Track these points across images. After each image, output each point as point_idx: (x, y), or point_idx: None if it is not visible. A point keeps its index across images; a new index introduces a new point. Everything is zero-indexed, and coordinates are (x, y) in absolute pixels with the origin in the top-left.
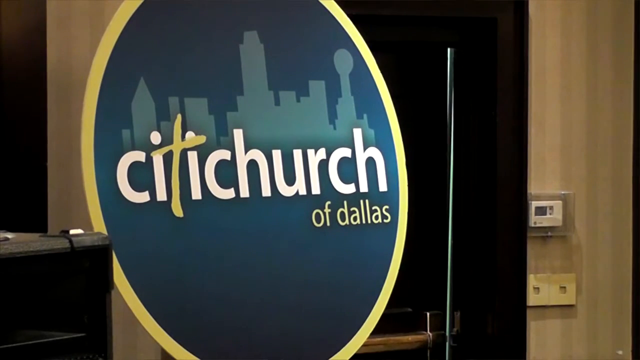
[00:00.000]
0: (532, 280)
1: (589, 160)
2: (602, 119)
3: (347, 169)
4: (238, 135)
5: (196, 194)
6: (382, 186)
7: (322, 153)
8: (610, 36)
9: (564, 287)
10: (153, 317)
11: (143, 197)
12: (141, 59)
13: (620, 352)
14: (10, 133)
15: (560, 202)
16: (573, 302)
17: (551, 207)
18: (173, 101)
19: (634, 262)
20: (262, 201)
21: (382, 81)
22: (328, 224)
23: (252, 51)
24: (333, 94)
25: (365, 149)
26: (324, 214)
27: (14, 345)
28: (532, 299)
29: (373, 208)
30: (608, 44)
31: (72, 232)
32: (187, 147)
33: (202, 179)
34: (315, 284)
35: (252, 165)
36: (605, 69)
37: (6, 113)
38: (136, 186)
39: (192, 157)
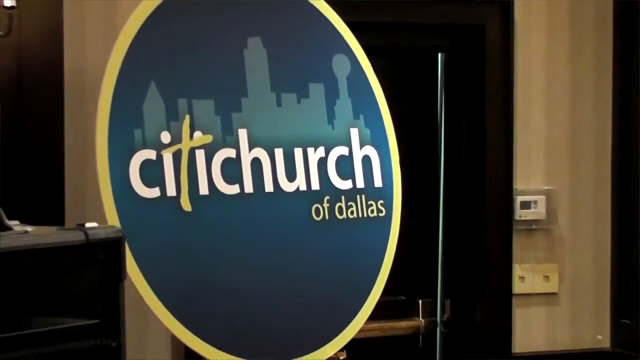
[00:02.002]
0: (517, 270)
1: (571, 158)
2: (584, 119)
3: (345, 166)
4: (242, 134)
5: (203, 189)
6: (377, 182)
7: (321, 151)
8: (590, 42)
9: (548, 277)
10: (164, 304)
11: (154, 192)
12: (152, 63)
13: (599, 337)
14: (29, 133)
15: (544, 197)
16: (556, 291)
17: (535, 202)
18: (182, 103)
19: (613, 253)
20: (265, 196)
21: (377, 84)
22: (327, 217)
23: (255, 56)
24: (331, 95)
25: (361, 148)
26: (323, 208)
27: (34, 331)
28: (517, 287)
29: (369, 203)
30: (589, 50)
31: (87, 225)
32: (195, 145)
33: (209, 175)
34: (315, 274)
35: (256, 163)
36: (586, 73)
37: (25, 114)
38: (147, 182)
39: (200, 155)
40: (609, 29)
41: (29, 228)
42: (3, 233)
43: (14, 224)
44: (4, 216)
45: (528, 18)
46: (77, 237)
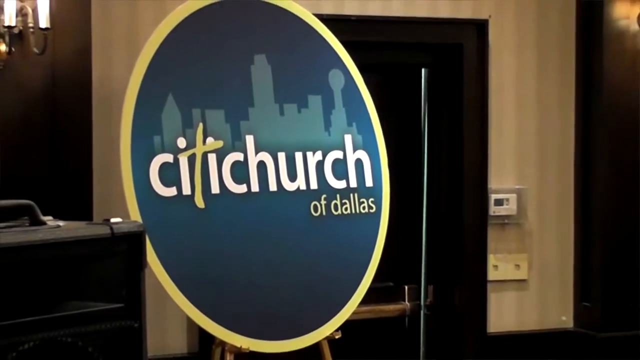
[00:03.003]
0: (492, 260)
1: (539, 161)
2: (550, 127)
3: (340, 168)
4: (249, 140)
5: (215, 188)
6: (368, 182)
7: (319, 155)
8: (555, 59)
9: (518, 265)
10: (180, 290)
11: (171, 191)
12: (169, 78)
13: (564, 318)
14: (61, 139)
15: (515, 195)
16: (525, 277)
17: (507, 199)
18: (196, 112)
19: (575, 245)
20: (269, 195)
21: (368, 95)
22: (324, 213)
23: (261, 71)
24: (328, 106)
25: (354, 152)
26: (321, 205)
27: (65, 313)
28: (492, 274)
29: (361, 200)
30: (554, 66)
31: (112, 220)
32: (207, 150)
33: (220, 176)
34: (314, 263)
35: (261, 165)
36: (551, 87)
37: (58, 122)
38: (165, 182)
39: (212, 158)
40: (571, 48)
41: (61, 223)
42: (38, 227)
43: (48, 219)
44: (39, 212)
45: (501, 38)
46: (103, 230)
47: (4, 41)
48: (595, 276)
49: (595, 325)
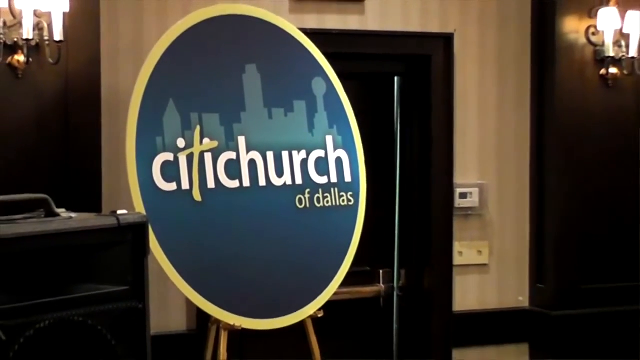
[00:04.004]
0: (457, 246)
1: (498, 159)
2: (508, 128)
3: (322, 165)
4: (241, 141)
5: (211, 184)
6: (347, 178)
7: (303, 154)
8: (513, 69)
9: (480, 251)
10: (180, 274)
11: (172, 186)
12: (170, 85)
13: (521, 299)
14: (74, 140)
15: (477, 189)
16: (487, 262)
17: (471, 193)
18: (194, 116)
19: (530, 233)
20: (259, 189)
21: (347, 101)
22: (308, 205)
23: (251, 79)
24: (311, 110)
25: (335, 151)
26: (305, 198)
27: (76, 295)
28: (457, 260)
29: (341, 194)
30: (512, 74)
31: (119, 212)
32: (204, 149)
33: (215, 173)
34: (299, 250)
35: (252, 163)
36: (510, 92)
37: (71, 124)
38: (166, 178)
39: (208, 157)
40: (527, 59)
41: (73, 214)
42: (53, 218)
43: (61, 211)
44: (53, 205)
45: (465, 50)
46: (111, 221)
47: (23, 52)
48: (548, 261)
49: (549, 304)
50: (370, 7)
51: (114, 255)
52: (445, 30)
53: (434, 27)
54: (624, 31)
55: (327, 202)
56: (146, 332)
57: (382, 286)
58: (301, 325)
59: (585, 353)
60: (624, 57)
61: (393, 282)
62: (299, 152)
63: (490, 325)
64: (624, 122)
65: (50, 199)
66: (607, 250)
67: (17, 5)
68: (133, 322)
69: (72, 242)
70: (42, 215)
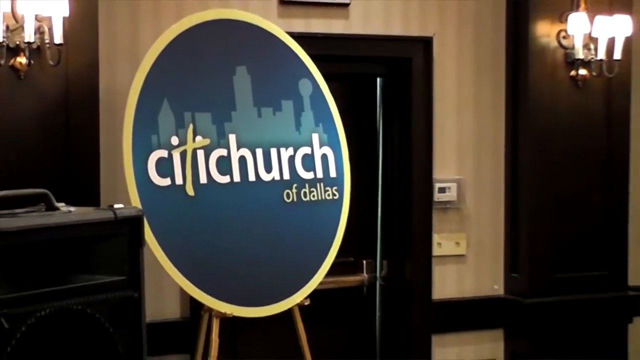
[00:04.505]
0: (436, 238)
1: (475, 155)
2: (484, 127)
3: (308, 162)
4: (232, 138)
5: (203, 179)
6: (332, 173)
7: (290, 150)
8: (488, 70)
9: (458, 243)
10: (174, 265)
11: (166, 181)
12: (164, 86)
13: (496, 287)
14: (73, 138)
15: (455, 184)
16: (464, 253)
17: (449, 188)
18: (187, 115)
19: (505, 226)
20: (249, 184)
21: (332, 100)
22: (295, 199)
23: (242, 80)
24: (298, 109)
25: (320, 148)
26: (292, 193)
27: (75, 285)
28: (436, 250)
29: (326, 189)
30: (488, 75)
31: (116, 206)
32: (196, 147)
33: (207, 169)
34: (287, 242)
35: (242, 159)
36: (486, 92)
37: (71, 123)
38: (161, 174)
39: (200, 154)
40: (502, 61)
41: (72, 208)
42: (53, 212)
43: (61, 205)
44: (53, 199)
45: (444, 53)
46: (108, 215)
47: (25, 55)
48: (522, 251)
49: (522, 292)
50: (354, 12)
51: (111, 246)
52: (424, 33)
53: (414, 31)
54: (593, 35)
55: (313, 196)
56: (142, 320)
57: (365, 276)
58: (289, 312)
59: (557, 338)
60: (592, 60)
61: (376, 272)
62: (286, 149)
63: (468, 313)
64: (593, 121)
65: (50, 194)
66: (576, 242)
67: (19, 10)
68: (129, 310)
69: (71, 235)
70: (43, 209)
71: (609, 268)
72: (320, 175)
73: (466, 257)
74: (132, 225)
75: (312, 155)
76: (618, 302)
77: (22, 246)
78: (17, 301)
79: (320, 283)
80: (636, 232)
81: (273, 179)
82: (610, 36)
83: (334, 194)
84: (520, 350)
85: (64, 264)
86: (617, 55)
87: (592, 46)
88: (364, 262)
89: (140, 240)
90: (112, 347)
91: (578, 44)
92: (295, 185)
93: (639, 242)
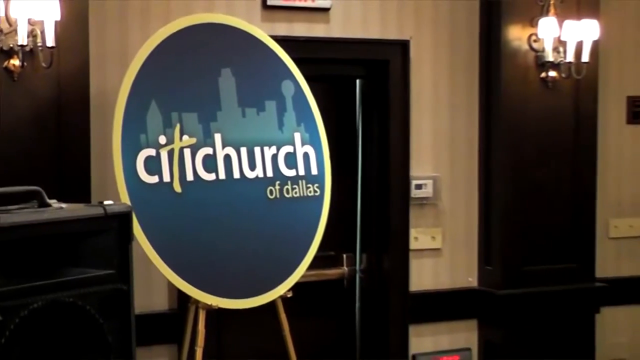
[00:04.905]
0: (413, 233)
1: (450, 154)
2: (459, 126)
3: (290, 160)
4: (218, 137)
5: (190, 176)
6: (314, 171)
7: (273, 149)
8: (463, 72)
9: (434, 237)
10: (162, 258)
11: (154, 179)
12: (152, 87)
13: (470, 279)
14: (65, 137)
15: (431, 181)
16: (440, 247)
17: (425, 184)
18: (174, 115)
19: (479, 221)
20: (233, 181)
21: (314, 101)
22: (278, 196)
23: (226, 81)
24: (281, 109)
25: (302, 146)
26: (275, 189)
27: (67, 278)
28: (413, 244)
29: (308, 185)
30: (462, 77)
31: (106, 202)
32: (183, 145)
33: (194, 166)
34: (270, 236)
35: (227, 158)
36: (460, 93)
37: (63, 123)
38: (149, 172)
39: (187, 152)
40: (476, 63)
41: (63, 205)
42: (45, 209)
43: (53, 202)
44: (45, 196)
45: (420, 55)
46: (98, 211)
47: (18, 57)
48: (495, 245)
49: (495, 284)
50: (334, 17)
51: (101, 241)
52: (401, 37)
53: (391, 35)
54: (562, 39)
55: (296, 193)
56: (131, 312)
57: (345, 269)
58: (272, 304)
59: (528, 328)
60: (562, 62)
61: (355, 265)
62: (269, 148)
63: (443, 304)
64: (562, 120)
65: (42, 191)
66: (546, 236)
67: (13, 14)
68: (119, 303)
69: (62, 230)
70: (36, 206)
71: (578, 261)
72: (302, 172)
73: (442, 251)
74: (121, 221)
75: (294, 154)
76: (586, 293)
77: (15, 241)
78: (11, 294)
79: (302, 276)
80: (603, 226)
81: (257, 176)
82: (579, 40)
83: (315, 191)
84: (494, 339)
85: (55, 258)
86: (585, 57)
87: (561, 49)
88: (344, 255)
89: (129, 235)
90: (102, 338)
91: (548, 47)
92: (278, 182)
93: (606, 236)
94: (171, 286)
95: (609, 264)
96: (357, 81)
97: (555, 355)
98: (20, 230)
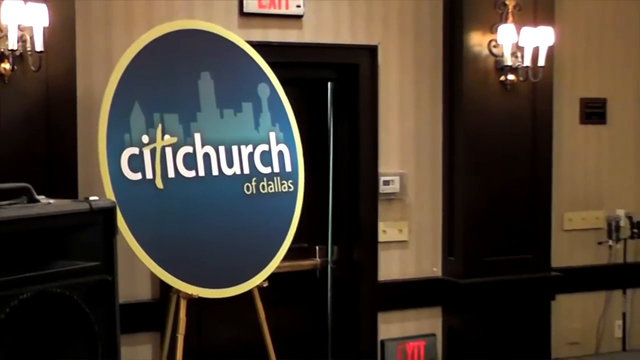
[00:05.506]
0: (381, 226)
1: (416, 152)
2: (424, 126)
3: (266, 158)
4: (197, 137)
5: (171, 173)
6: (288, 168)
7: (250, 148)
8: (428, 75)
9: (401, 230)
10: (145, 251)
11: (137, 176)
12: (135, 90)
13: (435, 269)
14: (54, 137)
15: (398, 177)
16: (406, 239)
17: (393, 180)
18: (156, 116)
19: (443, 215)
20: (212, 178)
21: (288, 102)
22: (254, 192)
23: (206, 84)
24: (257, 110)
25: (277, 145)
26: (252, 186)
27: (54, 270)
28: (381, 237)
29: (282, 182)
30: (427, 80)
31: (91, 198)
32: (165, 144)
33: (175, 164)
34: (247, 230)
35: (206, 156)
36: (425, 95)
37: (51, 124)
38: (133, 169)
39: (168, 150)
40: (439, 67)
41: (51, 200)
42: (34, 204)
43: (41, 197)
44: (34, 192)
45: (387, 60)
46: (84, 206)
47: (9, 61)
48: (458, 237)
49: (458, 274)
50: (307, 23)
51: (87, 235)
52: (370, 42)
53: (361, 40)
54: (520, 44)
55: (271, 189)
56: (115, 301)
57: (318, 260)
58: (249, 294)
59: (489, 314)
60: (519, 66)
61: (327, 257)
62: (246, 146)
63: (410, 292)
64: (520, 120)
65: (31, 187)
66: (506, 229)
67: (3, 21)
68: (104, 293)
69: (50, 224)
70: (25, 202)
71: (535, 252)
72: (277, 169)
73: (408, 243)
74: (106, 216)
75: (269, 152)
76: (542, 282)
77: (5, 235)
78: (1, 285)
79: (278, 267)
80: (558, 219)
81: (234, 173)
82: (535, 45)
83: (289, 187)
84: (457, 325)
85: (44, 251)
86: (541, 62)
87: (519, 54)
88: (317, 247)
89: (113, 229)
90: (88, 326)
91: (507, 53)
92: (254, 179)
93: (561, 228)
94: (154, 277)
95: (564, 254)
96: (329, 84)
97: (514, 340)
98: (10, 224)
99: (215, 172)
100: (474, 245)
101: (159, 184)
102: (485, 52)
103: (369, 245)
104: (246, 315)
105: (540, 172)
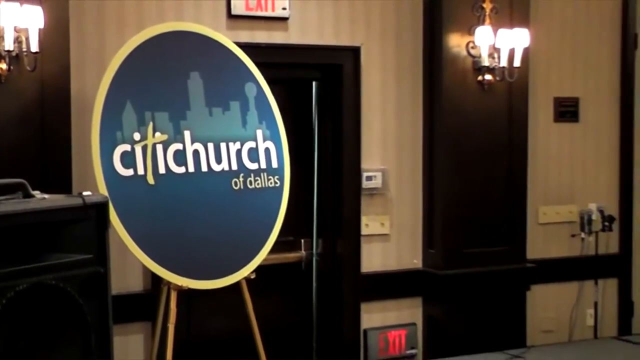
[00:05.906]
0: (364, 220)
1: (397, 149)
2: (405, 124)
3: (253, 154)
4: (187, 134)
5: (162, 170)
6: (274, 164)
7: (238, 145)
8: (409, 75)
9: (383, 224)
10: (136, 244)
11: (129, 172)
12: (127, 89)
13: (415, 261)
14: (48, 134)
15: (380, 173)
16: (388, 232)
17: (375, 176)
18: (147, 114)
19: (423, 209)
20: (202, 174)
21: (274, 101)
22: (242, 187)
23: (195, 83)
24: (244, 109)
25: (264, 142)
26: (239, 181)
27: (49, 263)
28: (364, 230)
29: (269, 177)
30: (408, 80)
31: (84, 193)
32: (156, 141)
33: (165, 161)
34: (235, 224)
35: (196, 153)
36: (406, 95)
37: (46, 122)
38: (125, 165)
39: (159, 147)
40: (420, 67)
41: (46, 196)
42: (29, 199)
43: (37, 193)
44: (29, 188)
45: (370, 60)
46: (77, 201)
47: (5, 61)
48: (437, 231)
49: (438, 265)
50: (292, 25)
51: (81, 229)
52: (353, 43)
53: (344, 41)
54: (496, 46)
55: (258, 184)
56: (108, 293)
57: (303, 253)
58: (237, 285)
59: (467, 304)
60: (496, 67)
61: (312, 249)
62: (234, 143)
63: (391, 283)
64: (497, 118)
65: (26, 183)
66: (483, 222)
67: (0, 22)
68: (97, 285)
69: (45, 219)
70: (20, 197)
71: (511, 244)
72: (263, 166)
73: (390, 236)
74: (98, 210)
75: (256, 149)
76: (518, 273)
77: (2, 229)
78: None
79: (264, 259)
80: (533, 213)
81: (223, 169)
82: (511, 47)
83: (275, 182)
84: (436, 315)
85: (39, 245)
86: (517, 63)
87: (496, 55)
88: (302, 240)
89: (106, 223)
90: (81, 316)
91: (484, 53)
92: (242, 174)
93: (536, 222)
94: (145, 269)
95: (538, 246)
96: (313, 83)
97: (490, 328)
98: (6, 219)
99: (204, 168)
100: (453, 238)
101: (150, 179)
102: (464, 53)
103: (352, 238)
104: (234, 305)
105: (516, 168)
